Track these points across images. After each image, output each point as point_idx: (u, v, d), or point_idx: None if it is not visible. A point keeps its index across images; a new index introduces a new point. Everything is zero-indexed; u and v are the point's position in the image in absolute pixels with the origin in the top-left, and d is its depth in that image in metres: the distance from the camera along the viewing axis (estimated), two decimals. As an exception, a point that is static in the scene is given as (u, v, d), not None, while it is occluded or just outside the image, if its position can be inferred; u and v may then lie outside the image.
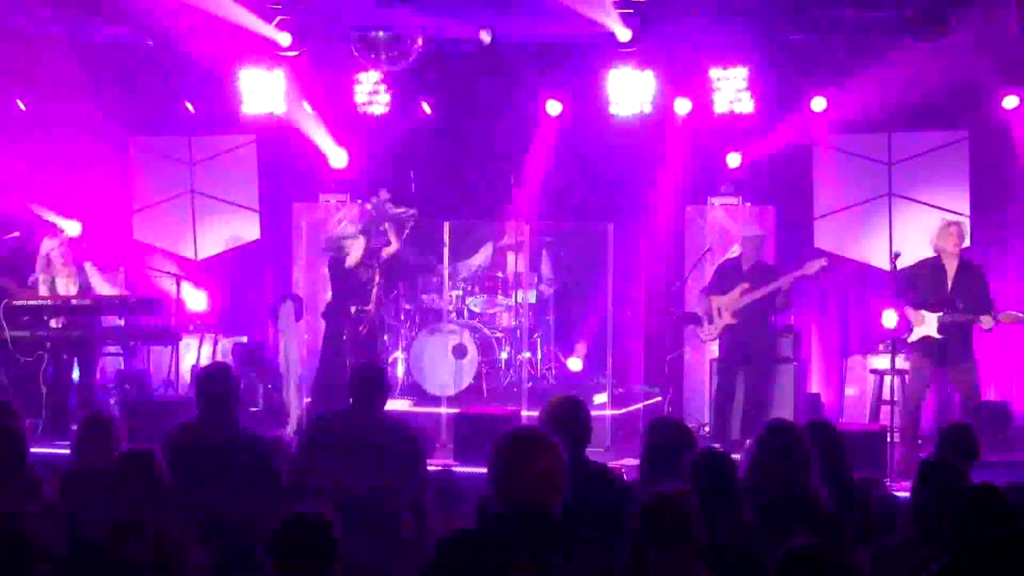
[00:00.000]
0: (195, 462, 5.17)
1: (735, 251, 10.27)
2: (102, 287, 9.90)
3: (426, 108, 11.69)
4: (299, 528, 3.80)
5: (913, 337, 9.06)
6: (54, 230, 10.43)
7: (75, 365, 9.93)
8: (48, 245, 9.84)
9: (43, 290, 9.77)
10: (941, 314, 8.90)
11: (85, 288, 9.80)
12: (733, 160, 11.10)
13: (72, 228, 11.30)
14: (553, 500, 3.68)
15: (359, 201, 11.23)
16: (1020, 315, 9.05)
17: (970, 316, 8.86)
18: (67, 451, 6.25)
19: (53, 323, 9.54)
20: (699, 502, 3.96)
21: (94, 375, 10.02)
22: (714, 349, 10.35)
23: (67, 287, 9.76)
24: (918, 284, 9.09)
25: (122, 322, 10.09)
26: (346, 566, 3.94)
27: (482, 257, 11.59)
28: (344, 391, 6.33)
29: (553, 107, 11.34)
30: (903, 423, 8.99)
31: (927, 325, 8.96)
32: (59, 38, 11.09)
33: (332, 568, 3.81)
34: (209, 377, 5.82)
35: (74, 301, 9.64)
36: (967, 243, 9.51)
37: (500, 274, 11.26)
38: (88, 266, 9.93)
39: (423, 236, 11.27)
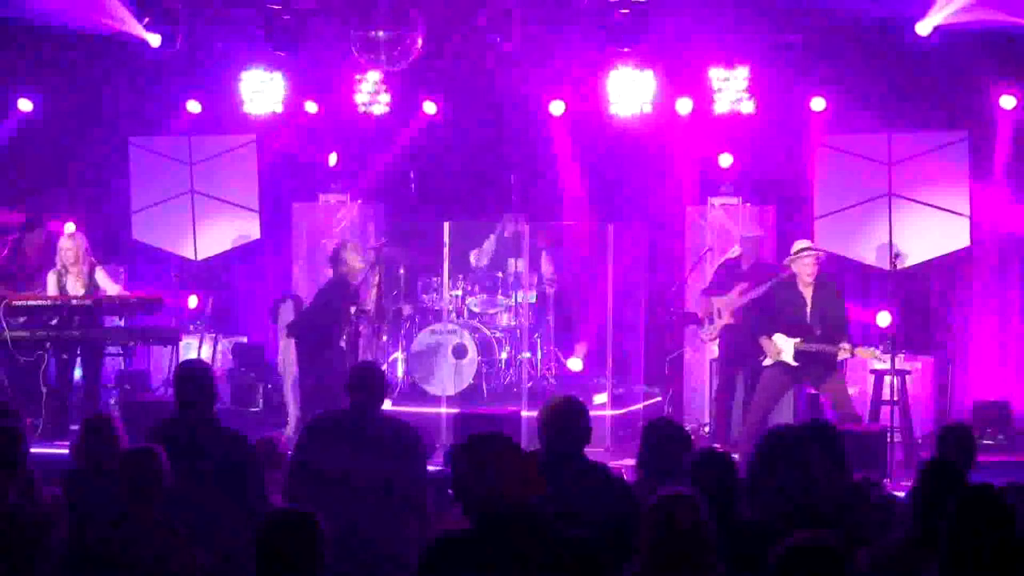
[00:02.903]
0: (172, 459, 5.16)
1: (735, 251, 10.27)
2: (111, 289, 9.90)
3: (428, 108, 11.69)
4: (282, 528, 3.78)
5: (768, 363, 8.78)
6: (72, 229, 10.43)
7: (77, 365, 9.93)
8: (65, 243, 9.86)
9: (51, 286, 9.77)
10: (798, 340, 8.60)
11: (92, 289, 9.81)
12: (725, 160, 11.10)
13: (67, 229, 11.30)
14: (527, 496, 3.70)
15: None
16: (877, 353, 8.81)
17: (827, 346, 8.57)
18: (67, 451, 6.27)
19: (54, 321, 9.54)
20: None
21: (98, 375, 10.02)
22: (714, 349, 10.35)
23: (75, 287, 9.76)
24: (774, 309, 8.79)
25: (122, 322, 10.08)
26: (346, 567, 3.94)
27: (489, 245, 11.52)
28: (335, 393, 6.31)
29: (556, 107, 11.35)
30: (747, 432, 8.55)
31: (785, 353, 8.66)
32: (60, 36, 11.10)
33: (318, 567, 3.79)
34: (183, 374, 5.88)
35: (74, 301, 9.64)
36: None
37: (500, 274, 11.26)
38: (98, 269, 9.92)
39: (423, 236, 11.29)
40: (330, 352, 9.58)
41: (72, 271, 9.75)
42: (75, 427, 6.61)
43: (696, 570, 3.82)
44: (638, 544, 3.89)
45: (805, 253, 8.76)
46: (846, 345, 8.57)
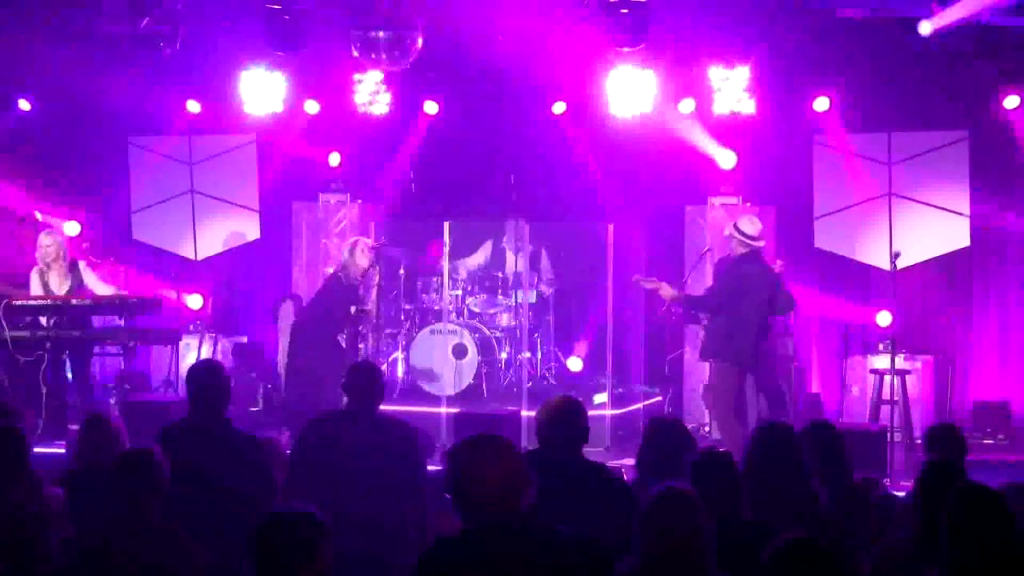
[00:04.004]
0: (185, 461, 5.16)
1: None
2: (96, 285, 9.89)
3: (429, 108, 11.68)
4: (278, 528, 3.76)
5: None
6: (51, 226, 10.44)
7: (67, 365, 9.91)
8: (44, 240, 9.86)
9: (35, 283, 9.78)
10: None
11: (77, 286, 9.81)
12: (727, 160, 11.10)
13: (70, 228, 11.29)
14: (520, 498, 3.71)
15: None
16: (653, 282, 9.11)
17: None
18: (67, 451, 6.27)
19: (44, 321, 9.53)
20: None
21: (88, 374, 10.02)
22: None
23: (59, 284, 9.77)
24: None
25: (122, 322, 10.08)
26: (346, 568, 3.93)
27: (482, 256, 11.59)
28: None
29: (558, 107, 11.34)
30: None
31: None
32: (60, 36, 11.09)
33: (319, 566, 3.76)
34: (197, 375, 5.84)
35: (74, 301, 9.64)
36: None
37: (500, 274, 11.27)
38: (82, 265, 9.92)
39: (423, 236, 11.30)
40: (329, 351, 9.58)
41: (54, 267, 9.75)
42: (74, 427, 6.60)
43: (692, 570, 3.81)
44: (633, 542, 3.88)
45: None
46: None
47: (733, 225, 8.84)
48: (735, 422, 8.49)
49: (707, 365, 10.54)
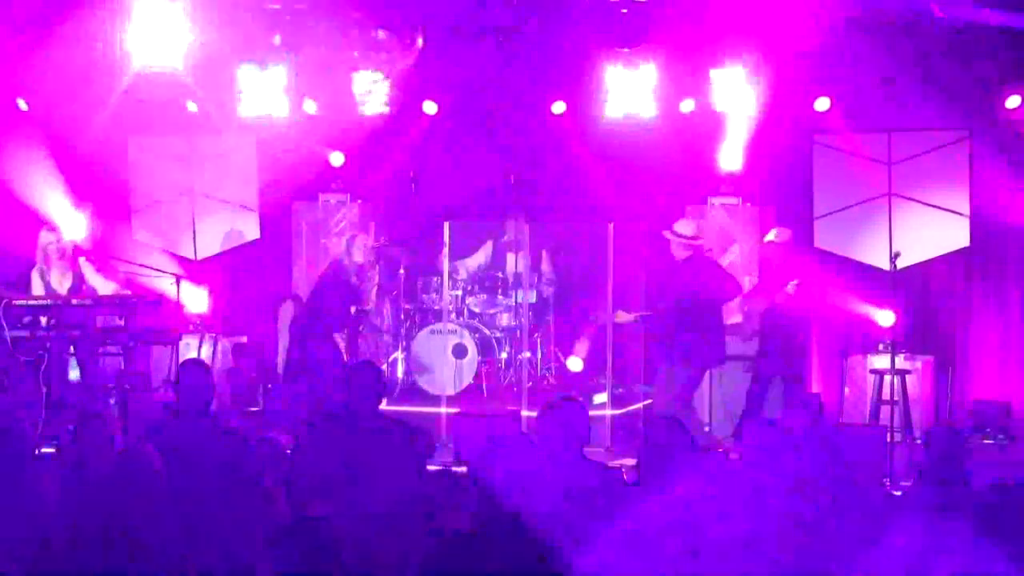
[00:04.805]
0: (171, 460, 5.17)
1: (735, 252, 10.26)
2: (97, 281, 9.89)
3: (428, 108, 11.68)
4: (294, 534, 3.76)
5: None
6: (52, 224, 10.43)
7: (72, 365, 9.91)
8: (45, 238, 9.85)
9: (36, 283, 9.77)
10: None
11: (78, 284, 9.80)
12: (730, 159, 11.09)
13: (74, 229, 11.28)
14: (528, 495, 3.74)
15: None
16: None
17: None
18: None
19: (44, 321, 9.52)
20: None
21: (95, 374, 10.01)
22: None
23: (60, 282, 9.77)
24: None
25: (122, 322, 10.07)
26: (347, 567, 3.93)
27: (482, 256, 11.60)
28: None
29: (557, 107, 11.34)
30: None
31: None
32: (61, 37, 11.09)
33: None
34: (183, 376, 5.89)
35: (75, 301, 9.63)
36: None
37: (500, 274, 11.26)
38: (83, 262, 9.92)
39: (423, 236, 11.29)
40: (326, 349, 9.58)
41: (55, 265, 9.75)
42: (74, 427, 6.59)
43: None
44: None
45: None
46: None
47: (670, 230, 8.93)
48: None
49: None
